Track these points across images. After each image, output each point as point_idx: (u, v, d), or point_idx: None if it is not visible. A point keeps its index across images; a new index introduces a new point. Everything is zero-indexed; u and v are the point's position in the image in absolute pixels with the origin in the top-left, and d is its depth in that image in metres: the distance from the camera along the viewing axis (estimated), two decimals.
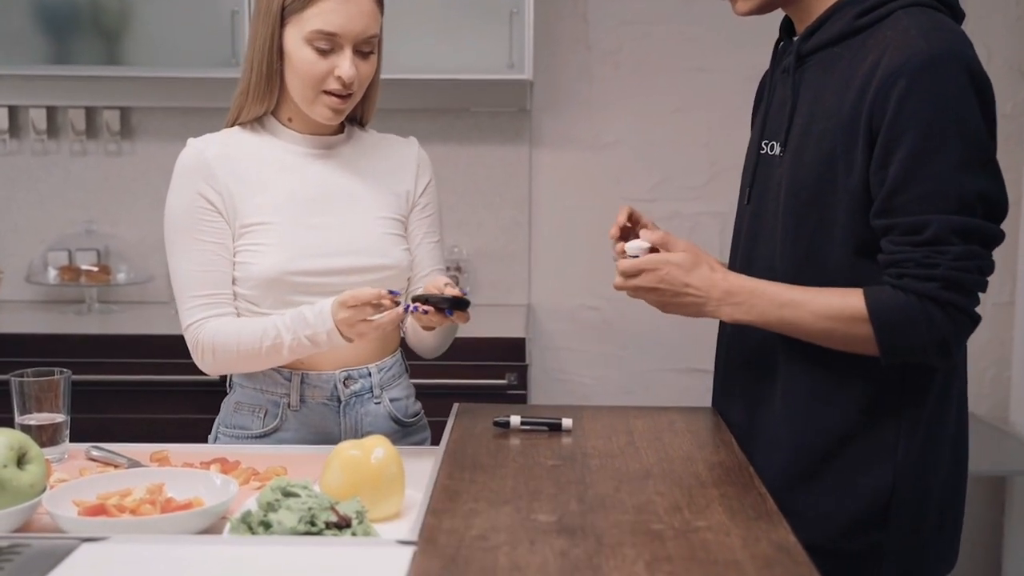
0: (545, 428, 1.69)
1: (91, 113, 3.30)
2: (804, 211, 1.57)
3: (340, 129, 1.87)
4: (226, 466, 1.64)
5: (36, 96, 3.26)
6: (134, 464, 1.66)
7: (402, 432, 1.88)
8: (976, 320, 1.50)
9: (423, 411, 1.96)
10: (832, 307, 1.51)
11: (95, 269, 3.23)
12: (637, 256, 1.61)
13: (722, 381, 1.80)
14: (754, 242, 1.68)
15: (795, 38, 1.64)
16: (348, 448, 1.45)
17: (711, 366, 1.83)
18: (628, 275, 1.61)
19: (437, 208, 1.93)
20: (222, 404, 1.90)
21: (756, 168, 1.69)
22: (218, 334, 1.74)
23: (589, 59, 3.33)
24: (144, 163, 3.31)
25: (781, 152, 1.62)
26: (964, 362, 1.64)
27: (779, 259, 1.61)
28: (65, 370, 1.69)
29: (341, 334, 1.68)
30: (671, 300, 1.61)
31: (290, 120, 1.82)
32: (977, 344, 3.33)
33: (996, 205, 1.48)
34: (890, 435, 1.55)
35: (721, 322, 1.74)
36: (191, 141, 1.81)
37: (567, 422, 1.70)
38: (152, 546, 1.25)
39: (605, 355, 3.42)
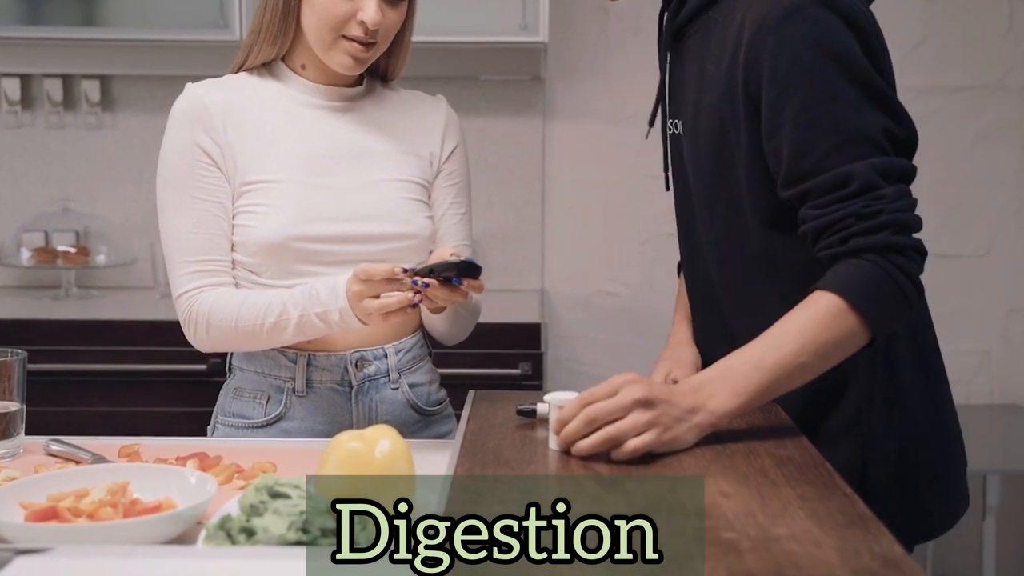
0: None
1: (68, 82, 3.17)
2: (711, 190, 1.52)
3: (359, 82, 1.69)
4: (206, 462, 1.46)
5: (8, 63, 3.12)
6: (99, 460, 1.46)
7: (424, 422, 1.72)
8: (925, 255, 1.43)
9: (448, 399, 1.78)
10: (807, 322, 1.36)
11: (73, 251, 3.11)
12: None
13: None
14: (689, 230, 1.61)
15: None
16: (348, 440, 1.26)
17: None
18: (611, 401, 1.30)
19: (465, 176, 1.75)
20: (221, 390, 1.74)
21: (669, 150, 1.63)
22: (215, 307, 1.58)
23: (607, 24, 3.18)
24: (126, 137, 3.20)
25: (682, 131, 1.57)
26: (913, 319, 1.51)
27: (706, 245, 1.55)
28: (20, 352, 1.50)
29: (356, 315, 1.50)
30: (676, 416, 1.32)
31: (303, 67, 1.65)
32: (1020, 335, 3.18)
33: (903, 140, 1.43)
34: (849, 412, 1.50)
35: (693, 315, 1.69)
36: (189, 86, 1.64)
37: None
38: (107, 559, 1.06)
39: (624, 344, 3.27)
